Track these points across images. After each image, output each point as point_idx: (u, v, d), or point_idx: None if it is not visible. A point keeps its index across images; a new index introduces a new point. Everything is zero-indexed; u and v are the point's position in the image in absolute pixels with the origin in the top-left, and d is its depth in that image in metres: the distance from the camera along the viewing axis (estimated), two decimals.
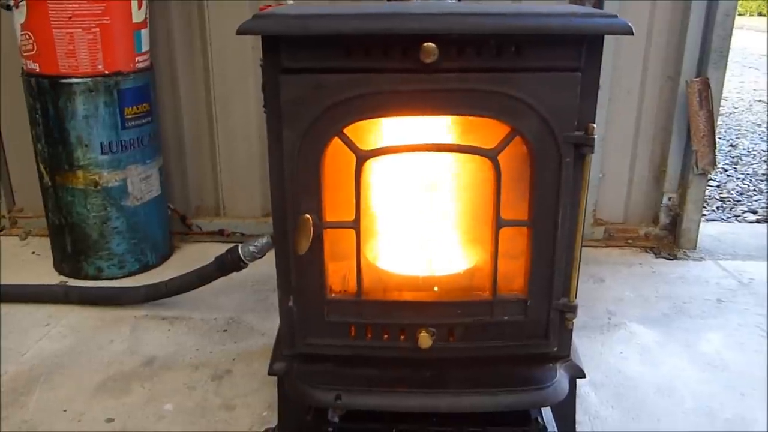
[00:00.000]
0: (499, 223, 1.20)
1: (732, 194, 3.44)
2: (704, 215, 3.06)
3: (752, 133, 4.86)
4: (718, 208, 3.25)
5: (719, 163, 3.99)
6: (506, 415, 1.39)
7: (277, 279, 1.28)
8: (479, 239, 1.29)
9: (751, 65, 8.89)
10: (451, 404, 1.27)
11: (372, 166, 1.21)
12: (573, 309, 1.26)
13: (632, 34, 1.06)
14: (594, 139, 1.14)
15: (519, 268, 1.26)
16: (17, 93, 2.15)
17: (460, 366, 1.30)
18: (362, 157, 1.16)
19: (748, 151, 4.32)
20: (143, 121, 2.12)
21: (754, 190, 3.52)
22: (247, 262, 1.79)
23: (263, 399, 1.56)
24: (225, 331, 1.88)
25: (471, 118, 1.18)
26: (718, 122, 2.26)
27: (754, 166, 4.00)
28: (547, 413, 1.43)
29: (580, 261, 1.24)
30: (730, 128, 4.99)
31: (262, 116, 1.19)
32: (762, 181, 3.69)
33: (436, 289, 1.32)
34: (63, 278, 2.17)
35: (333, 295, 1.28)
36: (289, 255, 1.23)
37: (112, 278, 2.16)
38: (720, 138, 4.61)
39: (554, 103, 1.12)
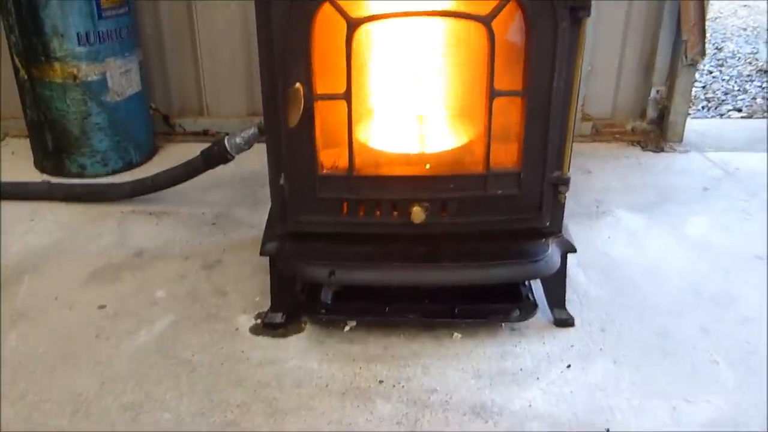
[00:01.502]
0: (492, 94, 1.18)
1: (717, 94, 3.43)
2: (690, 113, 3.06)
3: (737, 36, 4.81)
4: (703, 107, 3.24)
5: (705, 64, 3.96)
6: (497, 293, 1.41)
7: (267, 156, 1.26)
8: (473, 112, 1.27)
9: None
10: (444, 278, 1.28)
11: (363, 35, 1.17)
12: (566, 182, 1.26)
13: None
14: (591, 1, 1.11)
15: (512, 142, 1.25)
16: None
17: (453, 241, 1.31)
18: (353, 23, 1.12)
19: (733, 54, 4.29)
20: (120, 11, 2.04)
21: (739, 90, 3.51)
22: (233, 154, 1.76)
23: (255, 285, 1.56)
24: (214, 224, 1.87)
25: None
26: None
27: (739, 67, 3.97)
28: (537, 291, 1.46)
29: (573, 132, 1.23)
30: (715, 32, 4.93)
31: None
32: (746, 81, 3.67)
33: (427, 167, 1.31)
34: (45, 177, 2.13)
35: (324, 171, 1.26)
36: (279, 130, 1.21)
37: (95, 176, 2.13)
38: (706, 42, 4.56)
39: None
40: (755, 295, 1.52)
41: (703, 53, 2.24)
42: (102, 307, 1.49)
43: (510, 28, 1.15)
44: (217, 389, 1.24)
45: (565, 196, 1.28)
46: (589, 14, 1.12)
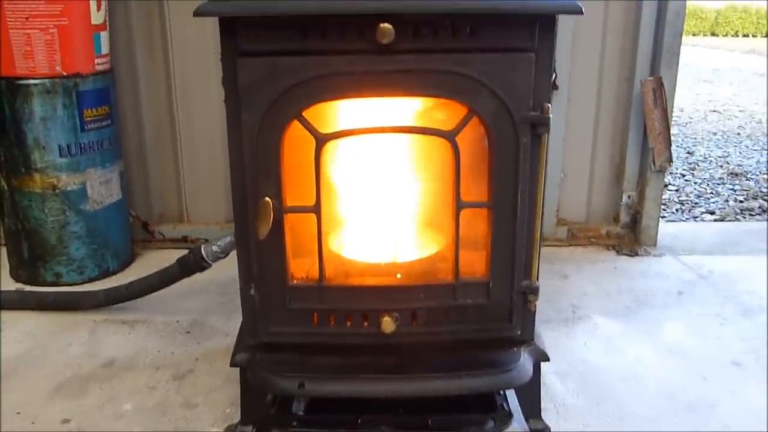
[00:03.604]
0: (459, 206, 1.21)
1: (690, 197, 3.51)
2: (664, 216, 3.13)
3: (708, 140, 4.98)
4: (677, 210, 3.31)
5: (677, 168, 4.08)
6: (472, 402, 1.39)
7: (238, 266, 1.27)
8: (441, 222, 1.29)
9: (705, 80, 9.15)
10: (416, 389, 1.26)
11: (333, 149, 1.21)
12: (535, 290, 1.27)
13: (581, 13, 1.09)
14: (549, 118, 1.16)
15: (481, 251, 1.26)
16: None
17: (424, 351, 1.30)
18: (321, 140, 1.16)
19: (705, 158, 4.43)
20: (103, 123, 2.09)
21: (711, 192, 3.60)
22: (210, 262, 1.77)
23: (226, 396, 1.53)
24: (188, 332, 1.85)
25: (430, 100, 1.19)
26: (674, 128, 2.31)
27: (710, 171, 4.09)
28: (512, 400, 1.44)
29: (541, 242, 1.25)
30: (687, 137, 5.11)
31: (224, 120, 1.18)
32: (718, 184, 3.77)
33: (398, 276, 1.32)
34: (20, 285, 2.11)
35: (294, 281, 1.27)
36: (249, 241, 1.22)
37: (71, 284, 2.11)
38: (678, 146, 4.71)
39: (509, 83, 1.14)
40: (732, 402, 1.51)
41: (670, 160, 2.31)
42: (66, 421, 1.45)
43: (474, 142, 1.18)
44: None
45: (535, 305, 1.29)
46: (548, 130, 1.17)
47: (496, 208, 1.21)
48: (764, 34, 18.11)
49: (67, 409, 1.49)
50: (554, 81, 2.22)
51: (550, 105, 1.16)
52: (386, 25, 1.08)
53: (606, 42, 2.32)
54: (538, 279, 1.27)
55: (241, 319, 1.43)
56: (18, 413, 1.47)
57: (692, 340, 1.78)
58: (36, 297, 1.95)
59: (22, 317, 1.90)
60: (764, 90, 7.75)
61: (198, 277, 1.83)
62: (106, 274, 2.18)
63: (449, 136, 1.16)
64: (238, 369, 1.37)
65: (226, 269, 1.82)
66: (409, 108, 1.21)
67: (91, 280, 2.15)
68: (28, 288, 2.08)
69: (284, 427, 1.36)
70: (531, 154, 1.18)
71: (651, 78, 2.26)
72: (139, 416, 1.47)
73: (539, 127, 1.17)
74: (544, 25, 1.13)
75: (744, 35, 19.74)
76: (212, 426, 1.43)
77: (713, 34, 20.31)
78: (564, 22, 2.21)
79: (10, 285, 2.13)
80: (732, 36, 19.87)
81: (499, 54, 1.13)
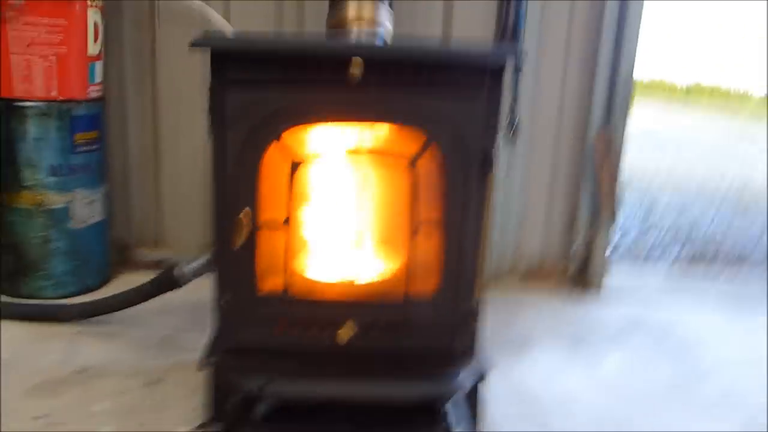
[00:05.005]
0: (414, 224, 1.37)
1: (645, 246, 3.72)
2: (618, 263, 3.31)
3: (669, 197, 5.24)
4: (632, 257, 3.49)
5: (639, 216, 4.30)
6: (417, 415, 1.53)
7: (214, 275, 1.41)
8: (397, 243, 1.45)
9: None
10: (366, 393, 1.40)
11: (304, 170, 1.37)
12: (476, 312, 1.43)
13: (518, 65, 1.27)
14: (496, 151, 1.33)
15: (430, 273, 1.42)
16: None
17: (376, 360, 1.44)
18: (295, 162, 1.32)
19: (662, 215, 4.66)
20: (93, 147, 2.23)
21: (666, 244, 3.81)
22: (183, 281, 1.90)
23: (194, 403, 1.64)
24: (160, 346, 1.96)
25: (392, 130, 1.36)
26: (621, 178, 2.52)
27: (668, 224, 4.31)
28: (456, 413, 1.58)
29: (484, 266, 1.41)
30: (652, 186, 5.38)
31: (206, 150, 1.34)
32: (673, 237, 3.99)
33: (356, 292, 1.47)
34: (2, 297, 2.21)
35: (263, 292, 1.41)
36: (225, 252, 1.37)
37: (52, 298, 2.22)
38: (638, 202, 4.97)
39: (463, 118, 1.32)
40: (651, 423, 1.67)
41: (613, 216, 2.51)
42: (39, 417, 1.55)
43: (430, 168, 1.35)
44: None
45: (477, 324, 1.44)
46: (492, 170, 1.34)
47: (446, 232, 1.38)
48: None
49: (42, 406, 1.60)
50: (516, 126, 2.42)
51: (498, 139, 1.34)
52: (358, 58, 1.26)
53: (564, 100, 2.52)
54: (480, 300, 1.43)
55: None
56: None
57: (624, 374, 1.94)
58: (13, 307, 2.06)
59: (2, 327, 2.00)
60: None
61: (171, 297, 1.95)
62: (87, 290, 2.29)
63: (410, 160, 1.33)
64: (206, 376, 1.50)
65: (201, 290, 1.96)
66: (373, 136, 1.38)
67: (71, 295, 2.25)
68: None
69: (249, 427, 1.48)
70: (479, 181, 1.35)
71: (600, 135, 2.47)
72: (111, 416, 1.58)
73: (486, 166, 1.34)
74: (494, 75, 1.32)
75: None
76: (178, 427, 1.55)
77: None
78: (527, 75, 2.42)
79: None
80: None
81: (454, 93, 1.31)
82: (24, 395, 1.64)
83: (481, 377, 1.50)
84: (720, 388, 1.90)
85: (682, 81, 20.36)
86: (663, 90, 20.62)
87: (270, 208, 1.35)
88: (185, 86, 2.45)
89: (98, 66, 2.23)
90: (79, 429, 1.51)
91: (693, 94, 20.33)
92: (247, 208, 1.32)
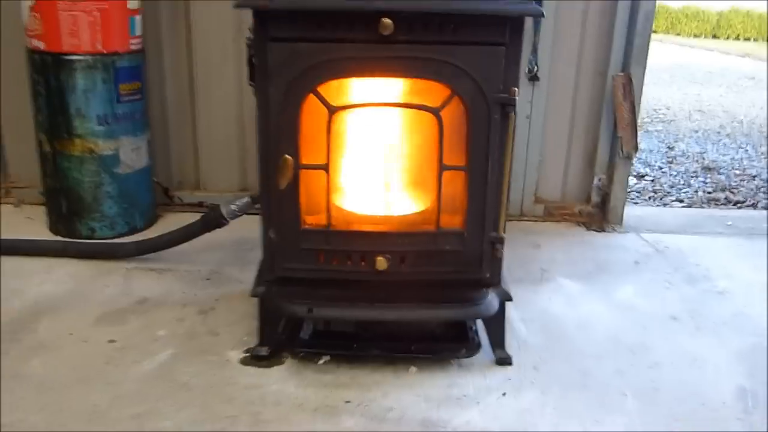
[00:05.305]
0: (441, 168, 1.50)
1: (663, 187, 3.81)
2: (637, 202, 3.43)
3: (689, 137, 5.27)
4: (650, 198, 3.61)
5: (655, 161, 4.37)
6: (449, 336, 1.69)
7: (261, 213, 1.56)
8: (428, 182, 1.58)
9: (696, 81, 9.43)
10: (401, 315, 1.57)
11: (340, 120, 1.50)
12: (501, 240, 1.57)
13: (543, 16, 1.38)
14: (516, 100, 1.45)
15: (458, 207, 1.56)
16: (11, 76, 2.48)
17: (410, 287, 1.60)
18: (332, 110, 1.45)
19: (683, 153, 4.72)
20: (135, 97, 2.37)
21: (684, 184, 3.90)
22: (228, 219, 2.06)
23: (244, 328, 1.82)
24: (208, 279, 2.14)
25: (421, 81, 1.48)
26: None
27: (686, 164, 4.39)
28: (483, 336, 1.74)
29: (507, 201, 1.55)
30: (669, 133, 5.41)
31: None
32: (692, 176, 4.07)
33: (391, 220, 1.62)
34: (59, 238, 2.40)
35: (306, 226, 1.56)
36: (271, 192, 1.51)
37: (103, 238, 2.40)
38: (659, 141, 5.02)
39: (484, 70, 1.43)
40: (665, 346, 1.81)
41: (636, 148, 2.61)
42: (111, 341, 1.74)
43: (455, 116, 1.48)
44: (210, 405, 1.49)
45: (502, 252, 1.58)
46: (514, 111, 1.46)
47: (471, 172, 1.51)
48: (765, 39, 18.33)
49: (111, 332, 1.79)
50: (536, 73, 2.54)
51: (517, 89, 1.45)
52: (387, 19, 1.37)
53: (584, 41, 2.60)
54: (504, 231, 1.57)
55: (253, 272, 1.73)
56: (71, 334, 1.77)
57: (639, 300, 2.08)
58: (76, 246, 2.24)
59: (65, 263, 2.19)
60: (751, 92, 8.05)
61: (215, 236, 2.12)
62: (134, 231, 2.47)
63: (435, 111, 1.46)
64: (254, 307, 1.68)
65: (241, 229, 2.12)
66: (403, 88, 1.50)
67: (121, 235, 2.43)
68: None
69: (293, 348, 1.66)
70: (501, 129, 1.48)
71: (621, 74, 2.55)
72: (171, 340, 1.76)
73: (507, 106, 1.46)
74: (514, 25, 1.42)
75: (746, 39, 19.93)
76: (233, 349, 1.72)
77: (714, 37, 20.50)
78: (547, 22, 2.49)
79: (50, 238, 2.41)
80: (734, 39, 20.05)
81: (477, 47, 1.43)
82: (94, 323, 1.83)
83: (505, 299, 1.65)
84: (731, 311, 2.03)
85: (715, 6, 19.86)
86: (695, 18, 20.18)
87: (311, 153, 1.49)
88: (218, 35, 2.57)
89: (138, 20, 2.35)
90: (147, 350, 1.70)
91: (725, 19, 19.86)
92: (287, 156, 1.45)
